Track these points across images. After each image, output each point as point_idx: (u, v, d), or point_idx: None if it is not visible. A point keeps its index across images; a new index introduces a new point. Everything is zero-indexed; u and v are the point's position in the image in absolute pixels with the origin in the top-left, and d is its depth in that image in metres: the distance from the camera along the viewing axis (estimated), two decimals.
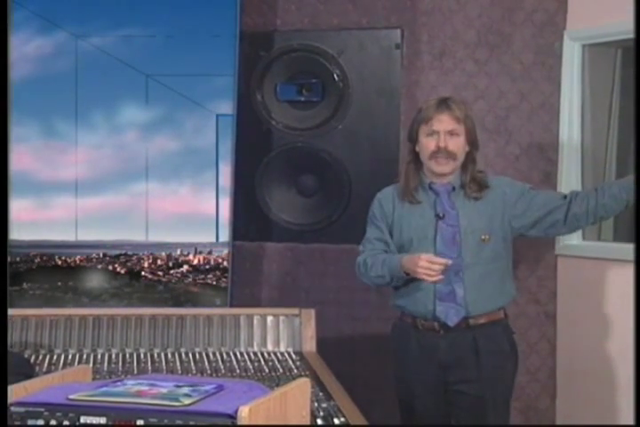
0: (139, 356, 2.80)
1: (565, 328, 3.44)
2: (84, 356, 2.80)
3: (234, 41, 3.40)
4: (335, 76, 3.53)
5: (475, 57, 3.49)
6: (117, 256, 3.43)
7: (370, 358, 3.47)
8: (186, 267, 3.44)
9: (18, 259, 3.38)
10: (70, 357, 2.79)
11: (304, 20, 3.61)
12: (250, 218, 3.61)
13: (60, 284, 3.40)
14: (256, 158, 3.59)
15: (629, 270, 3.15)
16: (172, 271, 3.44)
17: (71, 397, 1.68)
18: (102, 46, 3.36)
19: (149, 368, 2.67)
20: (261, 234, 3.65)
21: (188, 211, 3.42)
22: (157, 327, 2.92)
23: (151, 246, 3.43)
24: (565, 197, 2.74)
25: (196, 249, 3.47)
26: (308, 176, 3.62)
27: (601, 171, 3.48)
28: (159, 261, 3.44)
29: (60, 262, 3.42)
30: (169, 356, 2.81)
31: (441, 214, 2.68)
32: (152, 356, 2.81)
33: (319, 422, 2.05)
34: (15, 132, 3.30)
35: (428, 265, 2.53)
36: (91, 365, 2.62)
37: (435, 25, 3.52)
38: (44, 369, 2.61)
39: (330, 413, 2.13)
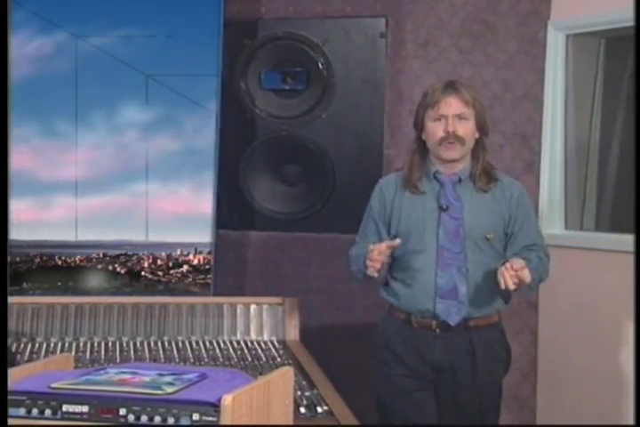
0: (121, 344, 2.80)
1: (547, 318, 3.46)
2: (66, 344, 2.79)
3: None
4: (319, 64, 3.52)
5: (459, 46, 3.49)
6: (117, 256, 3.42)
7: (353, 347, 3.47)
8: (186, 267, 3.43)
9: (18, 259, 3.37)
10: (52, 345, 2.78)
11: (288, 8, 3.60)
12: (233, 207, 3.60)
13: (60, 284, 3.39)
14: (240, 147, 3.58)
15: (611, 260, 3.18)
16: (172, 271, 3.43)
17: (53, 385, 1.68)
18: (102, 46, 3.35)
19: (132, 357, 2.66)
20: (245, 223, 3.65)
21: (188, 211, 3.41)
22: (140, 316, 2.91)
23: (151, 246, 3.42)
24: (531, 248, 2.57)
25: (196, 249, 3.45)
26: (291, 165, 3.61)
27: (584, 161, 3.49)
28: (159, 261, 3.43)
29: (60, 262, 3.41)
30: (152, 344, 2.80)
31: (444, 206, 2.53)
32: (135, 344, 2.80)
33: (302, 410, 2.06)
34: (15, 132, 3.28)
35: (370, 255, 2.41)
36: (73, 353, 2.61)
37: (419, 14, 3.52)
38: (26, 358, 2.60)
39: (313, 401, 2.14)
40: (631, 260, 3.05)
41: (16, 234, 3.32)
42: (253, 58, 3.56)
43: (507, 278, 2.36)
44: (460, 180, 2.57)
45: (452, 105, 2.50)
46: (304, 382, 2.32)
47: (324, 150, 3.55)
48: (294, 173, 3.62)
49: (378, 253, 2.41)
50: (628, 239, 3.13)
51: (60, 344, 2.79)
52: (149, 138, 3.40)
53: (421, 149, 2.60)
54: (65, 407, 1.63)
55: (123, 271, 3.42)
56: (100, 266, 3.41)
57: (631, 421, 3.10)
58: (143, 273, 3.42)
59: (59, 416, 1.63)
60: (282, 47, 3.55)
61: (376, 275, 2.46)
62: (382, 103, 3.51)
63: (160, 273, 3.42)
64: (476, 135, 2.57)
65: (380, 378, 2.63)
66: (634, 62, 2.92)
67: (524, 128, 3.46)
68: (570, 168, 3.45)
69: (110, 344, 2.80)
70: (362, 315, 3.47)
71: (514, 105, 3.46)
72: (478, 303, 2.53)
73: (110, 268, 3.42)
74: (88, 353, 2.69)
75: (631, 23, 3.12)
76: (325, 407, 2.09)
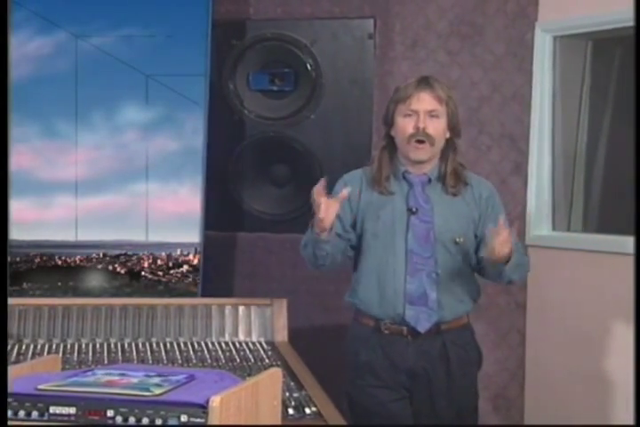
0: (109, 346, 2.79)
1: (535, 318, 3.47)
2: (54, 346, 2.78)
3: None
4: (308, 65, 3.52)
5: (447, 47, 3.50)
6: (117, 256, 3.41)
7: (341, 348, 3.47)
8: (186, 267, 3.41)
9: (18, 259, 3.35)
10: (39, 347, 2.76)
11: (277, 9, 3.60)
12: (222, 208, 3.60)
13: (60, 284, 3.38)
14: (228, 148, 3.57)
15: (599, 261, 3.19)
16: (171, 271, 3.41)
17: (40, 387, 1.67)
18: (102, 46, 3.34)
19: (120, 358, 2.65)
20: (233, 224, 3.64)
21: (188, 211, 3.39)
22: (128, 317, 2.90)
23: (151, 246, 3.41)
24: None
25: (196, 249, 3.43)
26: (280, 166, 3.61)
27: (571, 162, 3.51)
28: (159, 261, 3.41)
29: (60, 262, 3.40)
30: (140, 346, 2.79)
31: (414, 209, 2.44)
32: (123, 346, 2.79)
33: (290, 411, 2.05)
34: (15, 132, 3.27)
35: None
36: (60, 355, 2.60)
37: (407, 15, 3.52)
38: (13, 359, 2.59)
39: (301, 402, 2.13)
40: (619, 260, 3.07)
41: (16, 234, 3.31)
42: (241, 59, 3.56)
43: (500, 244, 2.27)
44: (429, 180, 2.49)
45: (424, 101, 2.41)
46: (292, 383, 2.31)
47: (313, 151, 3.54)
48: (282, 174, 3.62)
49: (327, 207, 2.30)
50: (615, 240, 3.15)
51: (47, 346, 2.78)
52: (149, 138, 3.39)
53: (390, 146, 2.51)
54: (52, 409, 1.63)
55: (123, 271, 3.41)
56: (100, 266, 3.41)
57: (619, 421, 3.12)
58: (143, 273, 3.41)
59: (46, 418, 1.63)
60: (270, 48, 3.55)
61: (326, 233, 2.34)
62: (370, 104, 3.51)
63: (160, 273, 3.41)
64: (447, 135, 2.47)
65: (351, 388, 2.55)
66: (634, 63, 2.93)
67: (511, 129, 3.47)
68: (557, 169, 3.47)
69: (98, 346, 2.79)
70: (350, 316, 3.46)
71: (502, 106, 3.47)
72: (449, 307, 2.47)
73: (110, 268, 3.41)
74: (75, 355, 2.67)
75: (618, 25, 3.14)
76: (314, 408, 2.09)
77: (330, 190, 2.42)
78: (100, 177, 3.39)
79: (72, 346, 2.78)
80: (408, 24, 3.52)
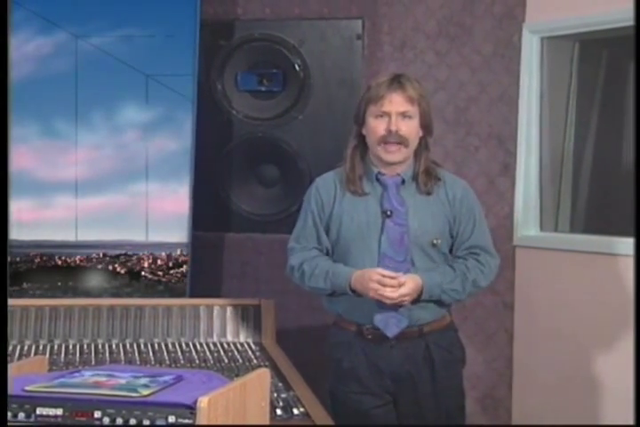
0: (96, 347, 2.78)
1: (523, 318, 3.48)
2: (41, 347, 2.77)
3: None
4: (296, 66, 3.52)
5: (435, 48, 3.51)
6: (117, 256, 3.41)
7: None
8: (185, 267, 3.41)
9: (18, 259, 3.35)
10: (26, 348, 2.76)
11: (265, 9, 3.60)
12: (210, 208, 3.59)
13: (60, 284, 3.38)
14: (216, 148, 3.57)
15: (585, 261, 3.21)
16: (171, 271, 3.41)
17: (27, 388, 1.67)
18: (102, 46, 3.34)
19: (107, 359, 2.65)
20: (221, 224, 3.64)
21: (188, 211, 3.39)
22: (116, 318, 2.90)
23: (151, 246, 3.41)
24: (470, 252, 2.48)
25: None
26: (268, 166, 3.61)
27: (558, 162, 3.52)
28: (159, 261, 3.41)
29: (60, 262, 3.40)
30: (127, 347, 2.79)
31: (388, 212, 2.39)
32: (110, 347, 2.78)
33: (279, 412, 2.05)
34: (15, 132, 3.27)
35: (379, 278, 2.29)
36: (47, 356, 2.59)
37: (396, 16, 3.53)
38: None
39: (289, 403, 2.13)
40: (606, 261, 3.09)
41: (16, 234, 3.31)
42: (230, 59, 3.56)
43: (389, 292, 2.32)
44: (403, 181, 2.44)
45: (396, 103, 2.37)
46: (280, 384, 2.31)
47: (301, 152, 3.55)
48: (271, 175, 3.62)
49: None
50: (602, 241, 3.16)
51: (34, 347, 2.77)
52: (149, 138, 3.39)
53: (362, 145, 2.47)
54: (39, 410, 1.62)
55: (123, 271, 3.41)
56: (100, 266, 3.41)
57: (607, 421, 3.13)
58: (143, 273, 3.41)
59: (32, 419, 1.62)
60: (258, 48, 3.55)
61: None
62: None
63: (160, 273, 3.41)
64: (420, 134, 2.44)
65: (334, 394, 2.51)
66: (634, 63, 2.94)
67: (499, 130, 3.48)
68: (545, 170, 3.48)
69: (85, 346, 2.78)
70: None
71: (489, 107, 3.48)
72: (430, 308, 2.43)
73: (110, 268, 3.41)
74: (63, 356, 2.67)
75: (605, 26, 3.15)
76: (302, 409, 2.09)
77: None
78: (100, 177, 3.39)
79: (59, 347, 2.77)
80: (396, 25, 3.53)
